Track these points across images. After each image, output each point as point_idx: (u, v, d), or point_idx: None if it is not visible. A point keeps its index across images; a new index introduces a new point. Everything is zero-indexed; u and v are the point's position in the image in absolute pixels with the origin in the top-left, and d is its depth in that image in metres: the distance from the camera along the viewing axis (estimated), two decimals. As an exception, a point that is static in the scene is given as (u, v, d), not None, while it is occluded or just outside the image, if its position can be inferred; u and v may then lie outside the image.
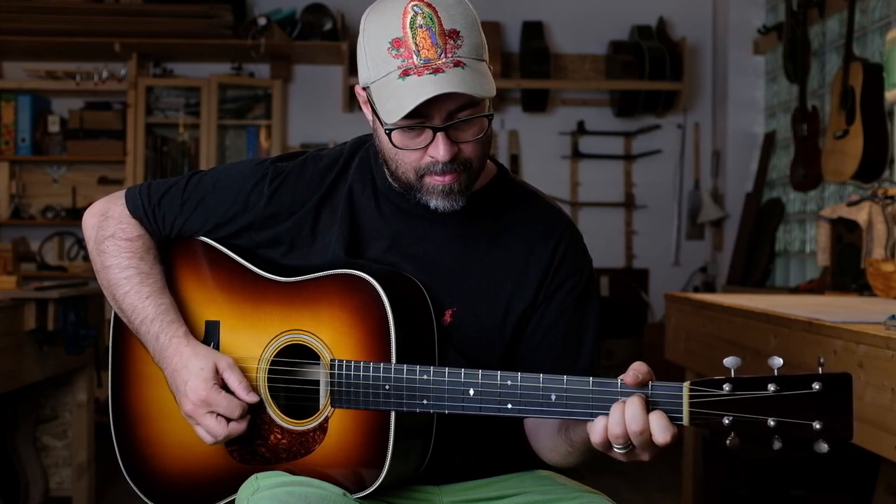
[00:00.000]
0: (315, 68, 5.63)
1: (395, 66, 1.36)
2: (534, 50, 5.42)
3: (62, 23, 5.15)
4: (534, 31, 5.54)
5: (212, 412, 1.45)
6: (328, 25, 5.38)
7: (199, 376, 1.46)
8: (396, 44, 1.36)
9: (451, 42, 1.36)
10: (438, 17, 1.36)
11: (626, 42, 5.55)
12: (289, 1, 5.50)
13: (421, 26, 1.35)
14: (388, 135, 1.40)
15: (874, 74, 3.78)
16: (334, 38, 5.34)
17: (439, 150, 1.39)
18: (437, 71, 1.33)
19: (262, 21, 5.22)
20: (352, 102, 5.41)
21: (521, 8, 5.61)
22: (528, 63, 5.41)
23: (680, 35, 5.54)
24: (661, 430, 1.22)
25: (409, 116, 1.35)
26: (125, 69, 5.36)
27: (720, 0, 5.57)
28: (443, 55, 1.35)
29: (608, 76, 5.51)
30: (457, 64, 1.35)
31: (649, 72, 5.30)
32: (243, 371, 1.50)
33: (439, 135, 1.39)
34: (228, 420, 1.46)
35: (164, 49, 5.36)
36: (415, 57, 1.35)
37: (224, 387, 1.47)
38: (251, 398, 1.46)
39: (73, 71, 5.37)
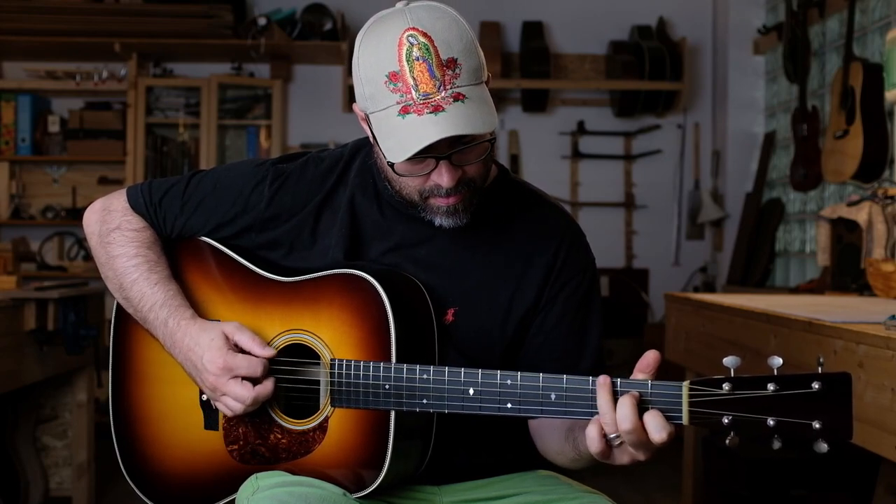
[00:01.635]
0: (315, 68, 5.63)
1: (394, 101, 1.34)
2: (534, 50, 5.42)
3: (62, 23, 5.15)
4: (534, 31, 5.54)
5: (235, 377, 1.44)
6: (328, 25, 5.38)
7: (212, 347, 1.45)
8: (394, 77, 1.34)
9: (450, 72, 1.34)
10: (435, 48, 1.34)
11: (626, 42, 5.55)
12: (289, 1, 5.50)
13: (417, 59, 1.33)
14: (390, 165, 1.39)
15: (874, 74, 3.78)
16: (334, 38, 5.34)
17: (443, 177, 1.39)
18: (437, 109, 1.32)
19: (262, 21, 5.22)
20: (352, 103, 5.40)
21: (521, 8, 5.61)
22: (528, 63, 5.41)
23: (680, 35, 5.54)
24: (657, 428, 1.22)
25: None
26: (125, 69, 5.36)
27: (720, 0, 5.57)
28: (441, 88, 1.33)
29: (608, 76, 5.51)
30: (456, 97, 1.33)
31: (649, 72, 5.30)
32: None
33: (443, 163, 1.38)
34: (254, 383, 1.44)
35: (164, 49, 5.36)
36: (413, 92, 1.33)
37: (240, 350, 1.46)
38: (268, 352, 1.44)
39: (73, 71, 5.37)
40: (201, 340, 1.47)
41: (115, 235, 1.60)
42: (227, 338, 1.46)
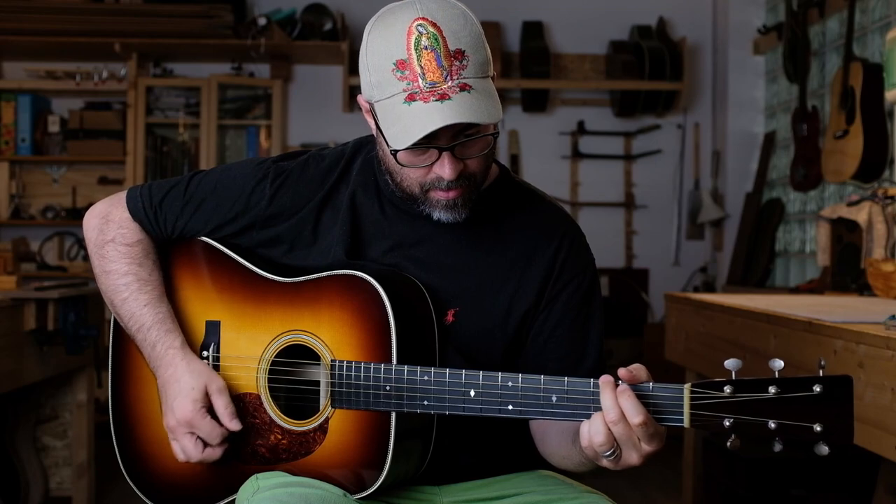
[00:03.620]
0: (315, 68, 5.63)
1: (400, 88, 1.35)
2: (534, 50, 5.42)
3: (62, 23, 5.15)
4: (534, 31, 5.55)
5: (192, 433, 1.47)
6: (328, 25, 5.38)
7: (188, 396, 1.47)
8: (401, 65, 1.34)
9: (457, 63, 1.34)
10: (443, 38, 1.34)
11: (626, 42, 5.55)
12: (289, 1, 5.50)
13: (426, 48, 1.33)
14: (393, 154, 1.40)
15: (874, 74, 3.79)
16: (334, 38, 5.34)
17: (445, 169, 1.39)
18: (442, 97, 1.32)
19: (262, 21, 5.22)
20: (352, 102, 5.41)
21: (521, 8, 5.61)
22: (528, 63, 5.41)
23: (680, 35, 5.54)
24: (633, 412, 1.23)
25: None
26: (125, 69, 5.36)
27: (720, 0, 5.57)
28: (448, 78, 1.34)
29: (608, 76, 5.52)
30: (462, 87, 1.34)
31: (649, 72, 5.31)
32: (242, 377, 1.50)
33: (445, 154, 1.38)
34: (206, 444, 1.47)
35: (164, 49, 5.36)
36: (420, 80, 1.33)
37: (210, 410, 1.47)
38: (234, 426, 1.47)
39: (73, 71, 5.37)
40: (182, 381, 1.49)
41: (109, 249, 1.60)
42: (206, 393, 1.48)
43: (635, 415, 1.23)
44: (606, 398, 1.25)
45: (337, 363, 1.43)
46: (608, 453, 1.26)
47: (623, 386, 1.25)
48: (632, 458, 1.27)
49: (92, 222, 1.64)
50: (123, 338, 1.65)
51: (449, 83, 1.34)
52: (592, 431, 1.26)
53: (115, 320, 1.65)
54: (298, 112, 5.63)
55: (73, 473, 3.53)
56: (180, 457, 1.49)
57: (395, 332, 1.40)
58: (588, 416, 1.28)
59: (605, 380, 1.26)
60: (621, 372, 1.26)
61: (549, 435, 1.52)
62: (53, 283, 3.27)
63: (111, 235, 1.61)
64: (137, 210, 1.61)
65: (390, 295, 1.41)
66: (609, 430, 1.25)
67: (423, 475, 1.50)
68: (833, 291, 3.54)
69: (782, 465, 3.19)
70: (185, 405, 1.46)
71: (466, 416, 1.36)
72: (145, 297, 1.56)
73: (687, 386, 1.23)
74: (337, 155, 1.60)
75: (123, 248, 1.60)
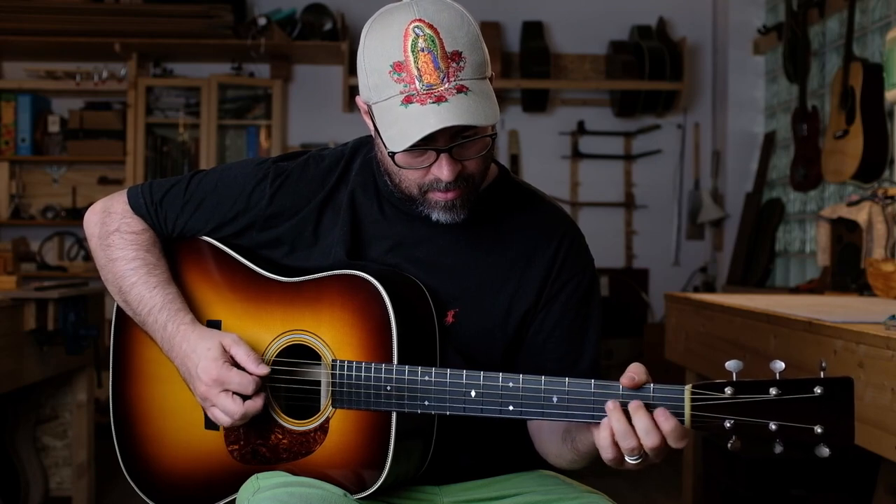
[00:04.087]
0: (315, 68, 5.63)
1: (397, 90, 1.35)
2: (534, 50, 5.42)
3: (62, 23, 5.15)
4: (534, 31, 5.55)
5: (226, 391, 1.44)
6: (328, 25, 5.38)
7: (207, 357, 1.45)
8: (398, 67, 1.34)
9: (454, 65, 1.34)
10: (440, 40, 1.34)
11: (626, 42, 5.55)
12: (289, 1, 5.50)
13: (423, 49, 1.34)
14: (391, 156, 1.40)
15: (874, 74, 3.79)
16: (334, 38, 5.34)
17: (443, 170, 1.40)
18: (439, 99, 1.33)
19: (262, 21, 5.22)
20: (352, 103, 5.41)
21: (521, 8, 5.61)
22: (528, 63, 5.41)
23: (680, 35, 5.54)
24: (676, 438, 1.23)
25: None
26: (125, 69, 5.36)
27: (720, 0, 5.57)
28: (445, 80, 1.34)
29: (608, 76, 5.52)
30: (459, 89, 1.34)
31: (649, 72, 5.31)
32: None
33: (443, 156, 1.39)
34: (244, 399, 1.44)
35: (164, 49, 5.36)
36: (417, 82, 1.34)
37: (235, 364, 1.46)
38: (261, 370, 1.44)
39: (73, 71, 5.37)
40: (198, 348, 1.47)
41: (115, 238, 1.60)
42: (223, 349, 1.46)
43: (676, 441, 1.23)
44: (641, 421, 1.24)
45: (338, 363, 1.43)
46: (636, 458, 1.26)
47: (658, 411, 1.23)
48: (657, 460, 1.28)
49: (93, 218, 1.64)
50: (124, 336, 1.65)
51: (446, 85, 1.34)
52: (620, 436, 1.25)
53: (116, 318, 1.65)
54: (298, 112, 5.63)
55: (73, 473, 3.53)
56: (224, 420, 1.45)
57: (396, 332, 1.40)
58: (588, 418, 1.28)
59: (636, 405, 1.24)
60: (624, 381, 1.26)
61: (542, 432, 1.53)
62: (53, 283, 3.27)
63: (115, 226, 1.61)
64: (139, 206, 1.61)
65: (391, 295, 1.41)
66: (642, 447, 1.25)
67: (424, 475, 1.50)
68: (833, 291, 3.54)
69: (782, 464, 3.19)
70: (208, 366, 1.44)
71: (467, 417, 1.36)
72: (154, 279, 1.56)
73: (688, 387, 1.23)
74: (336, 155, 1.60)
75: (129, 236, 1.60)
